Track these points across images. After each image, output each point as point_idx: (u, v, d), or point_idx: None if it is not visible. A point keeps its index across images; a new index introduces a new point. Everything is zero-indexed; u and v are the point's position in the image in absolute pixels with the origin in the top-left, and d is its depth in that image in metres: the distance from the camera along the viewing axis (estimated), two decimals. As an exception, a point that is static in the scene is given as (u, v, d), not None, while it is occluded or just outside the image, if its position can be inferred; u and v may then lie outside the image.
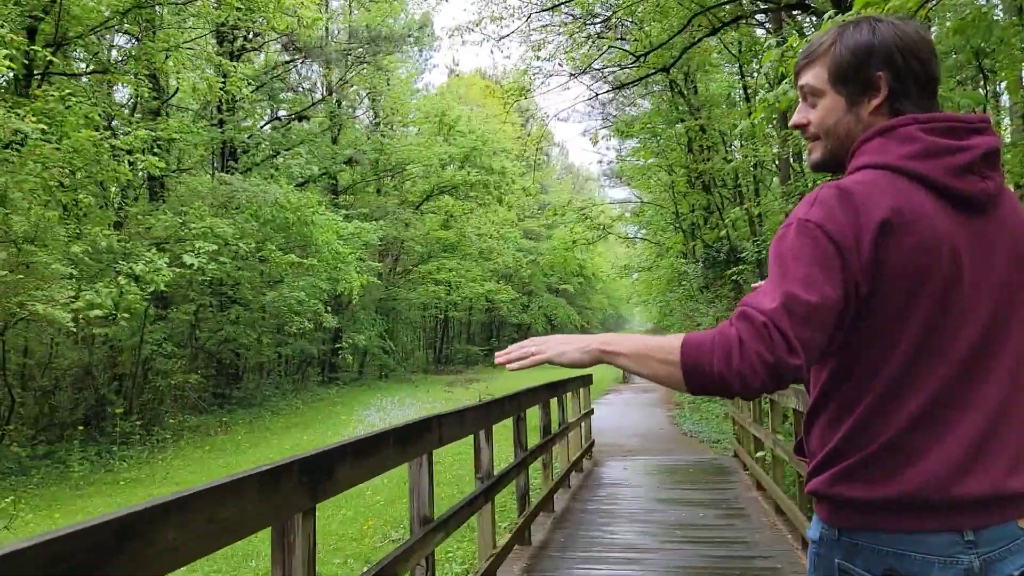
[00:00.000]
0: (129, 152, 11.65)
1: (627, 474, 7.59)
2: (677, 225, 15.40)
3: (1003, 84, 7.62)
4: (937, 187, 1.06)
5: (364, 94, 25.42)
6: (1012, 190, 1.24)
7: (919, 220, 1.04)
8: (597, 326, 70.28)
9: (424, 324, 39.84)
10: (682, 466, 7.94)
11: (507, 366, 1.22)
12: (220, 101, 18.00)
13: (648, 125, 15.15)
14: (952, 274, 1.05)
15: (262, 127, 19.19)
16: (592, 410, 8.80)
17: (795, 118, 1.23)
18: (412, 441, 2.82)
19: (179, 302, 15.17)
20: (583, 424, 8.28)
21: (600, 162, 28.39)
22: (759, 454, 6.39)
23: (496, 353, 1.24)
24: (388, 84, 26.99)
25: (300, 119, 23.81)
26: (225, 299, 15.84)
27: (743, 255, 11.34)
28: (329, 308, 18.46)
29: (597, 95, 12.89)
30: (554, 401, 6.43)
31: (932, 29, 6.51)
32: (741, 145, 13.77)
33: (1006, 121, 8.23)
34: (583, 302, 57.33)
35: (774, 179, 14.05)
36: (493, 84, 45.76)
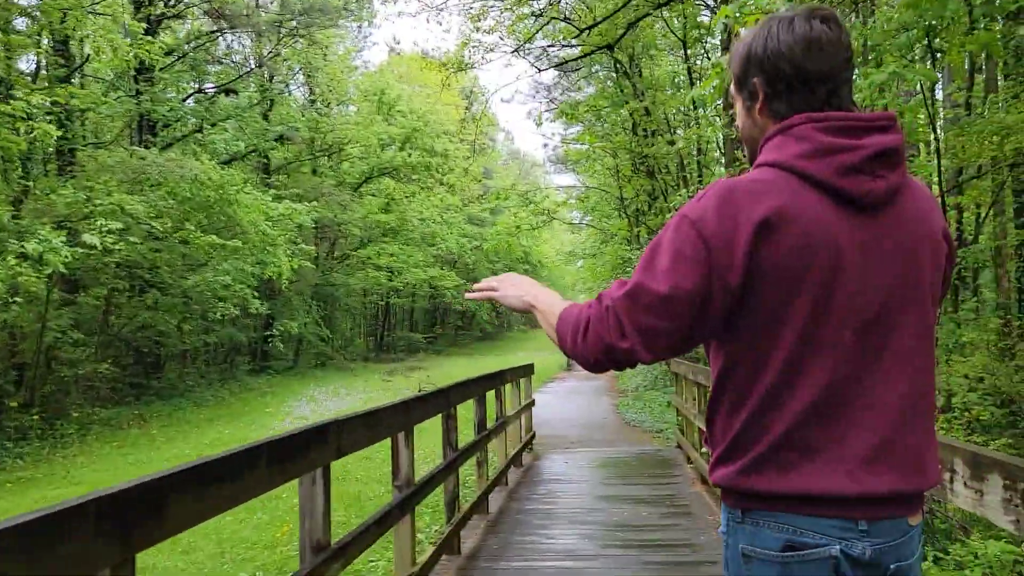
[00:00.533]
0: (27, 118, 10.49)
1: (568, 468, 7.21)
2: (622, 211, 15.11)
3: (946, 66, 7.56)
4: (824, 186, 1.08)
5: (298, 69, 24.17)
6: (921, 186, 1.21)
7: (799, 219, 1.06)
8: (541, 313, 70.54)
9: (365, 311, 38.78)
10: (625, 459, 7.61)
11: (465, 294, 1.48)
12: (135, 71, 16.68)
13: (592, 107, 14.78)
14: (832, 272, 1.07)
15: (184, 100, 17.86)
16: (533, 401, 8.39)
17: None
18: (299, 455, 2.27)
19: (91, 285, 13.97)
20: (523, 416, 7.85)
21: (545, 146, 27.95)
22: (704, 449, 6.07)
23: (465, 291, 1.42)
24: (325, 59, 25.79)
25: (228, 93, 22.46)
26: (142, 283, 14.68)
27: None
28: (259, 294, 17.46)
29: (540, 70, 12.40)
30: (491, 394, 5.96)
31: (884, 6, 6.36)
32: (686, 128, 13.54)
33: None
34: (528, 289, 57.15)
35: (719, 167, 13.93)
36: (434, 62, 44.77)
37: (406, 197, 29.56)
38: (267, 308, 18.47)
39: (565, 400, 15.43)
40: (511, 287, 1.38)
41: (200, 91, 18.15)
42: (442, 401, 4.38)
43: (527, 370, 8.05)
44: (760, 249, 1.06)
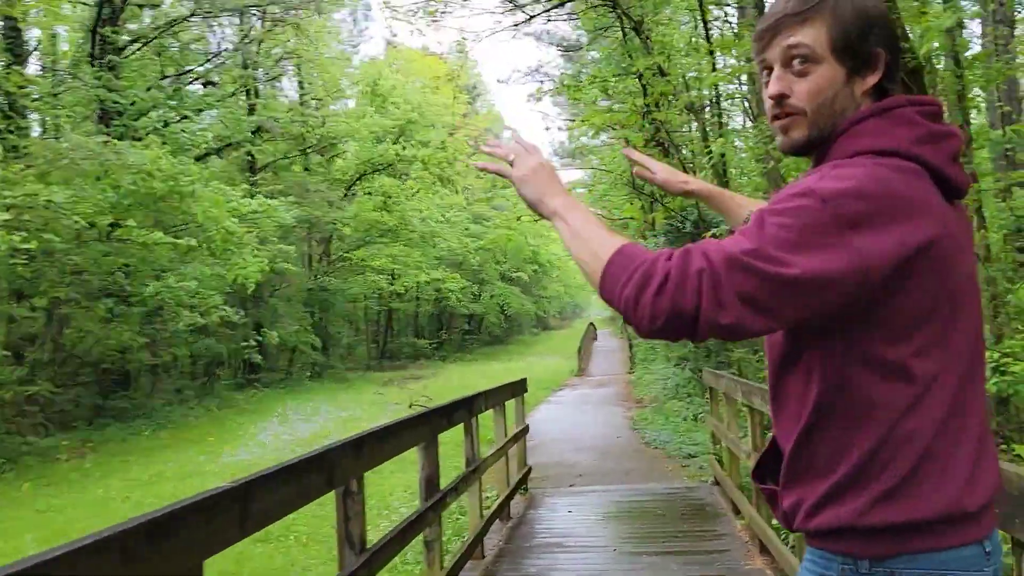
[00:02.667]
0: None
1: (573, 523, 5.32)
2: (634, 195, 13.19)
3: None
4: (936, 174, 0.99)
5: (281, 57, 22.50)
6: None
7: (935, 207, 0.97)
8: (554, 315, 68.37)
9: (366, 317, 37.05)
10: (649, 505, 5.71)
11: (478, 154, 1.44)
12: (91, 56, 15.07)
13: (597, 79, 12.89)
14: (958, 267, 0.99)
15: (149, 90, 16.21)
16: (526, 428, 6.52)
17: (776, 86, 1.05)
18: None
19: (30, 294, 12.29)
20: (513, 448, 6.00)
21: (547, 129, 25.94)
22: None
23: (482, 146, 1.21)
24: (315, 50, 24.13)
25: (208, 84, 20.84)
26: (93, 290, 12.98)
27: (716, 223, 9.22)
28: (235, 300, 15.75)
29: (531, 17, 10.55)
30: (452, 434, 4.12)
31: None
32: (712, 90, 11.59)
33: None
34: (539, 291, 55.10)
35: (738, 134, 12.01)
36: (436, 58, 43.09)
37: (405, 195, 27.78)
38: (245, 316, 16.75)
39: (574, 412, 13.53)
40: (530, 173, 1.12)
41: (168, 76, 16.47)
42: (338, 465, 2.52)
43: (516, 389, 6.18)
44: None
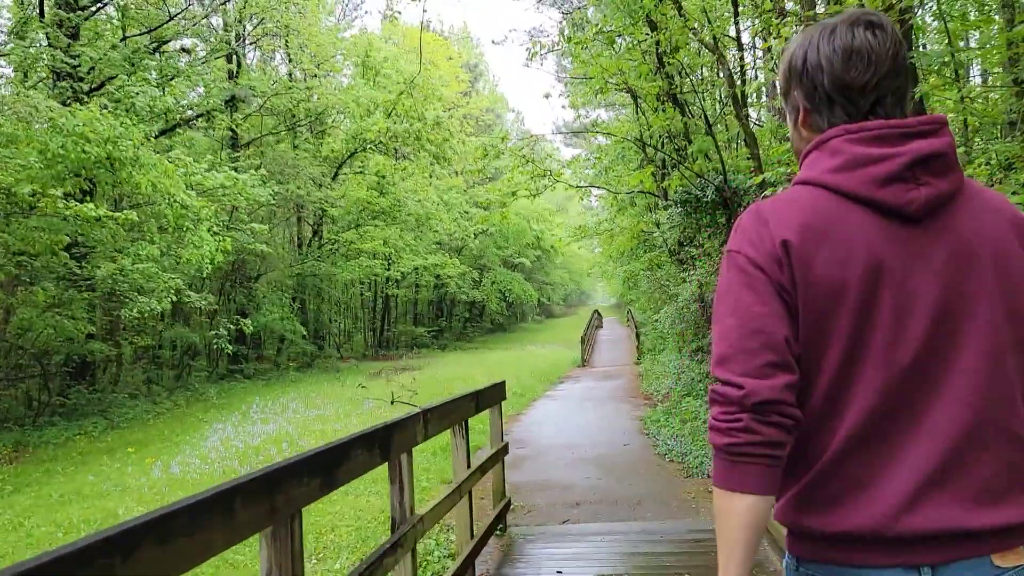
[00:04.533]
0: None
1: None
2: (644, 159, 11.50)
3: None
4: (861, 200, 1.03)
5: (256, 24, 20.83)
6: (986, 190, 1.10)
7: (831, 235, 1.02)
8: (558, 303, 66.64)
9: (362, 304, 35.54)
10: (667, 561, 4.12)
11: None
12: (42, 13, 13.47)
13: (603, 31, 11.20)
14: (872, 287, 1.01)
15: (107, 54, 14.56)
16: (505, 447, 4.93)
17: None
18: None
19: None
20: (490, 473, 4.45)
21: (547, 96, 24.29)
22: None
23: None
24: (303, 19, 22.45)
25: (183, 51, 19.21)
26: (27, 273, 11.46)
27: (743, 191, 7.58)
28: (214, 285, 14.21)
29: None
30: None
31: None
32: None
33: None
34: (542, 276, 53.44)
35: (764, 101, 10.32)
36: (435, 35, 41.25)
37: (399, 174, 26.12)
38: (218, 302, 15.24)
39: (575, 410, 11.97)
40: None
41: (124, 39, 14.85)
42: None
43: (490, 397, 4.59)
44: (794, 267, 1.02)
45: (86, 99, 11.89)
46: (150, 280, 12.32)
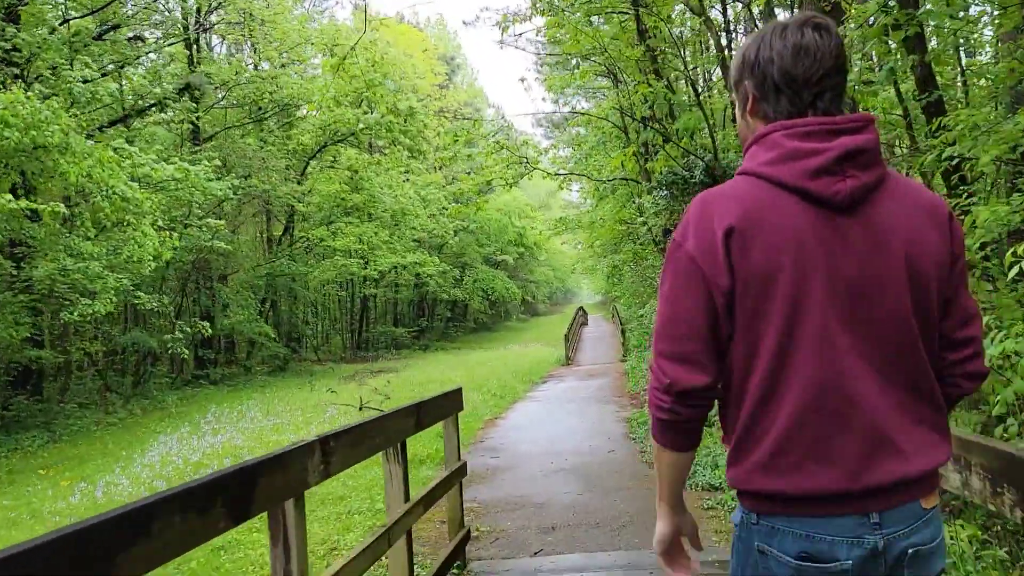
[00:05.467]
0: None
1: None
2: (626, 140, 10.65)
3: None
4: (795, 190, 1.13)
5: (240, 20, 19.78)
6: (910, 182, 1.24)
7: (766, 224, 1.12)
8: (543, 301, 65.82)
9: (340, 304, 34.47)
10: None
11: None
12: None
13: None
14: (803, 272, 1.11)
15: (47, 36, 13.47)
16: (463, 468, 4.06)
17: None
18: None
19: None
20: (446, 498, 3.58)
21: (522, 80, 23.84)
22: None
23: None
24: (268, 6, 21.42)
25: (136, 39, 18.12)
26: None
27: (736, 167, 6.84)
28: (174, 287, 13.20)
29: None
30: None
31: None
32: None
33: None
34: (526, 274, 52.56)
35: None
36: (409, 26, 40.25)
37: (374, 171, 25.11)
38: (169, 303, 14.21)
39: (557, 413, 11.14)
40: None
41: (65, 21, 13.74)
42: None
43: (439, 409, 3.72)
44: (733, 254, 1.12)
45: (19, 84, 10.84)
46: (94, 281, 11.30)
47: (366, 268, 26.88)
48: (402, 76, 23.55)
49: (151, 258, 10.64)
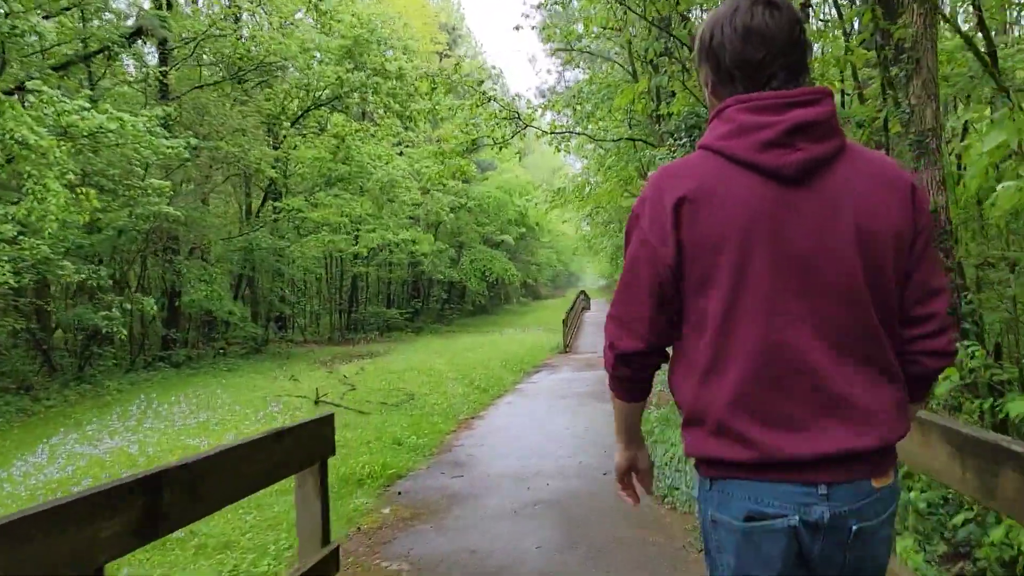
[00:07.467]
0: None
1: None
2: (632, 79, 8.74)
3: None
4: (746, 163, 1.16)
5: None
6: (870, 153, 1.23)
7: (716, 195, 1.16)
8: (546, 284, 63.89)
9: (327, 283, 32.66)
10: None
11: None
12: None
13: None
14: (749, 242, 1.14)
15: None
16: (334, 553, 2.25)
17: None
18: None
19: None
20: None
21: (517, 29, 21.20)
22: None
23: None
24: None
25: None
26: None
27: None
28: (129, 256, 11.41)
29: None
30: None
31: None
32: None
33: None
34: (527, 256, 50.56)
35: None
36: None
37: (362, 139, 23.16)
38: (107, 276, 12.41)
39: (545, 414, 9.35)
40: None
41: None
42: None
43: (285, 456, 1.89)
44: (683, 225, 1.16)
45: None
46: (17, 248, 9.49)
47: (356, 244, 25.05)
48: (392, 33, 21.51)
49: (53, 218, 8.83)
